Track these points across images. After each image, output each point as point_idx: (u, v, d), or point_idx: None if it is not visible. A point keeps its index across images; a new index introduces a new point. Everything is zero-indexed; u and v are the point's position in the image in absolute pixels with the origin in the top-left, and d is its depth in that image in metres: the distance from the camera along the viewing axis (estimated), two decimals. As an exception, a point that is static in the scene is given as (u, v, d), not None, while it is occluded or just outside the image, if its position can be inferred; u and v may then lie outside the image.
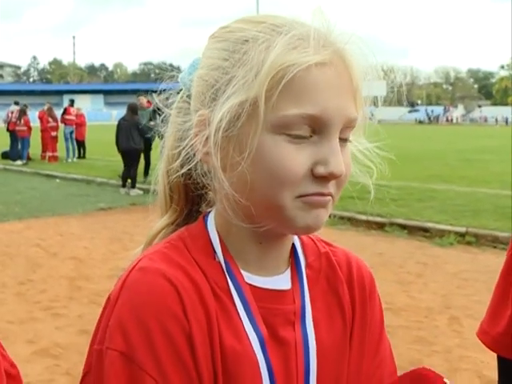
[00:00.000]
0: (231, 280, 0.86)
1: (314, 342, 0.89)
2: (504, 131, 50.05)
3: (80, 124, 22.07)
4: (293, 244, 0.95)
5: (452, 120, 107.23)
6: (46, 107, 22.03)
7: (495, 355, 1.38)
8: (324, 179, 0.80)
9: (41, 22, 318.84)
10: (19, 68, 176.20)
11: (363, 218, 9.57)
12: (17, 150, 21.23)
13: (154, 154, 14.80)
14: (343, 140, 0.83)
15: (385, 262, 7.40)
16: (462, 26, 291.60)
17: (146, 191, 13.44)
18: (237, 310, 0.85)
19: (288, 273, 0.93)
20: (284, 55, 0.77)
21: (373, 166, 0.92)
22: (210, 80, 0.84)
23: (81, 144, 22.19)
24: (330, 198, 0.83)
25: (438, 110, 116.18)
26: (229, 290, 0.85)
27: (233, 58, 0.82)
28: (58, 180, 16.18)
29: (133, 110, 13.71)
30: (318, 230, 0.85)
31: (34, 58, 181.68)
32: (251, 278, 0.88)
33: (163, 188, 0.96)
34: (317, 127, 0.79)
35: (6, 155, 21.55)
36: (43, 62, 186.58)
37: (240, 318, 0.85)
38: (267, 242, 0.89)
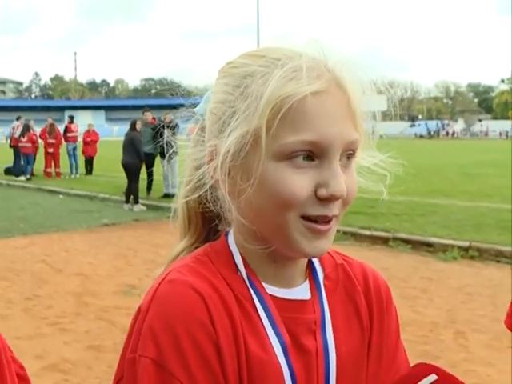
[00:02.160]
0: (254, 291, 0.91)
1: (334, 351, 0.93)
2: (504, 145, 50.09)
3: (94, 141, 22.43)
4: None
5: (453, 134, 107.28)
6: (49, 123, 22.05)
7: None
8: (327, 201, 0.85)
9: (42, 38, 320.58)
10: (21, 84, 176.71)
11: (367, 233, 9.59)
12: (19, 165, 21.28)
13: (157, 169, 14.90)
14: (346, 161, 0.88)
15: (389, 277, 7.34)
16: (462, 40, 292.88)
17: (150, 207, 13.56)
18: (260, 319, 0.89)
19: (306, 284, 0.97)
20: (280, 87, 0.83)
21: (387, 174, 0.97)
22: (218, 113, 0.91)
23: (90, 161, 22.29)
24: (331, 226, 0.88)
25: (432, 124, 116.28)
26: (252, 301, 0.90)
27: (236, 91, 0.88)
28: (61, 196, 16.21)
29: (132, 125, 13.86)
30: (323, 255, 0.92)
31: (36, 74, 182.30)
32: (272, 290, 0.93)
33: (182, 213, 1.03)
34: (316, 152, 0.84)
35: (8, 171, 21.60)
36: (45, 78, 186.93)
37: (264, 327, 0.89)
38: (281, 261, 0.93)
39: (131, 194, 13.57)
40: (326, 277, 1.00)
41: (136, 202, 13.51)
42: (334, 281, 1.00)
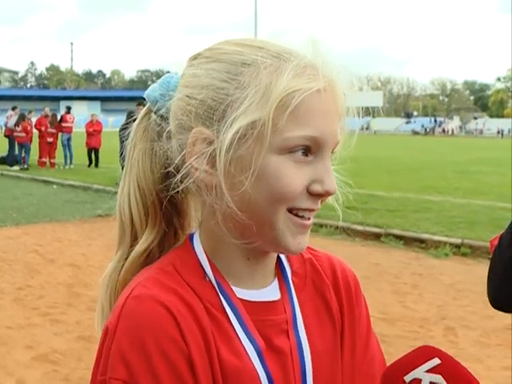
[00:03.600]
0: (223, 297, 0.89)
1: (308, 348, 0.93)
2: (500, 143, 50.20)
3: (98, 131, 21.49)
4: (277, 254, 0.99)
5: (449, 131, 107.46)
6: (45, 113, 21.92)
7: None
8: (318, 196, 0.86)
9: (39, 28, 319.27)
10: (17, 73, 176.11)
11: (359, 228, 9.61)
12: (13, 155, 21.21)
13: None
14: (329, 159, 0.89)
15: (381, 273, 7.45)
16: (458, 37, 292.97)
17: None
18: (232, 325, 0.87)
19: (275, 283, 0.96)
20: (292, 80, 0.82)
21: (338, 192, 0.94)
22: (206, 100, 0.86)
23: (95, 152, 21.35)
24: (311, 221, 0.88)
25: (427, 121, 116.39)
26: (222, 308, 0.88)
27: (235, 80, 0.85)
28: (54, 186, 16.17)
29: (129, 116, 13.80)
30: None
31: (32, 63, 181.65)
32: (242, 293, 0.91)
33: (137, 209, 0.95)
34: (314, 148, 0.84)
35: (2, 160, 21.52)
36: (41, 68, 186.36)
37: (236, 333, 0.87)
38: (255, 257, 0.92)
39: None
40: (293, 273, 0.99)
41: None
42: (302, 277, 1.00)
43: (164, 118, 0.94)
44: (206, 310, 0.86)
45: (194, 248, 0.92)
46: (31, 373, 4.42)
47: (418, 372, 0.83)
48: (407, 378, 0.83)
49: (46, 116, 21.74)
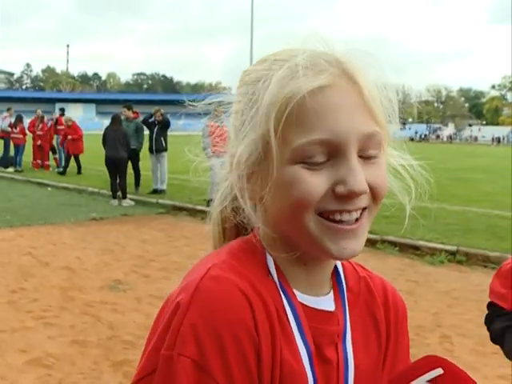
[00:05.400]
0: (286, 298, 0.88)
1: (353, 364, 0.93)
2: (495, 151, 50.36)
3: (77, 138, 19.50)
4: (335, 266, 0.98)
5: (444, 138, 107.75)
6: (37, 115, 21.74)
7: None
8: (346, 198, 0.81)
9: (35, 30, 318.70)
10: (12, 75, 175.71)
11: (355, 234, 9.60)
12: (8, 157, 21.12)
13: (142, 164, 14.89)
14: (367, 157, 0.84)
15: (376, 279, 7.42)
16: (454, 45, 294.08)
17: (138, 202, 13.51)
18: (291, 326, 0.87)
19: (331, 295, 0.96)
20: (280, 89, 0.80)
21: (412, 186, 0.94)
22: (235, 123, 0.90)
23: (75, 158, 19.62)
24: (355, 225, 0.84)
25: (421, 128, 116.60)
26: (283, 307, 0.88)
27: (246, 98, 0.87)
28: (49, 188, 16.12)
29: (119, 120, 13.81)
30: (353, 257, 0.88)
31: (28, 65, 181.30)
32: (301, 297, 0.91)
33: (217, 224, 1.00)
34: (330, 150, 0.80)
35: (-3, 162, 21.42)
36: (36, 70, 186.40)
37: (293, 335, 0.87)
38: (312, 264, 0.91)
39: (121, 189, 13.51)
40: (348, 289, 0.99)
41: (124, 197, 13.46)
42: (355, 293, 0.99)
43: None
44: (274, 306, 0.86)
45: (260, 243, 0.92)
46: (24, 377, 4.37)
47: (420, 381, 0.84)
48: None
49: (38, 118, 21.60)
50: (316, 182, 0.80)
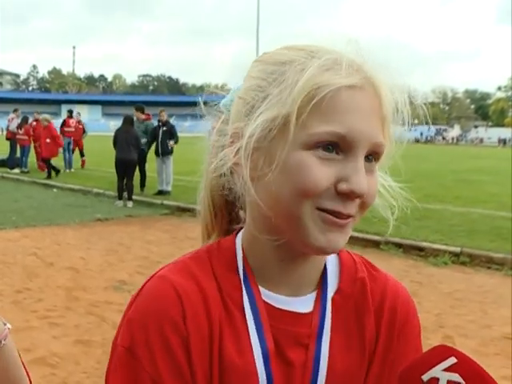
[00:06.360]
0: (248, 295, 0.90)
1: (326, 367, 0.91)
2: (501, 153, 50.19)
3: (51, 141, 18.32)
4: (325, 266, 0.97)
5: (449, 140, 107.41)
6: (35, 117, 21.13)
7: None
8: (346, 197, 0.83)
9: (41, 31, 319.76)
10: (18, 76, 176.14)
11: (359, 235, 9.60)
12: (14, 158, 21.18)
13: (148, 166, 14.93)
14: (370, 162, 0.86)
15: (380, 280, 7.42)
16: (460, 46, 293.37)
17: (143, 204, 13.54)
18: (247, 325, 0.89)
19: (313, 296, 0.95)
20: (316, 76, 0.82)
21: (395, 204, 0.98)
22: (247, 98, 0.89)
23: (47, 162, 18.55)
24: (348, 220, 0.85)
25: (426, 130, 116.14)
26: (242, 305, 0.90)
27: (270, 77, 0.87)
28: (55, 190, 16.17)
29: (131, 121, 13.81)
30: (335, 253, 0.89)
31: (34, 66, 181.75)
32: (269, 296, 0.91)
33: (207, 205, 1.03)
34: (343, 146, 0.82)
35: (3, 163, 21.49)
36: (43, 71, 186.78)
37: (248, 333, 0.88)
38: (289, 260, 0.91)
39: (128, 190, 13.53)
40: (338, 290, 0.97)
41: (129, 198, 13.48)
42: (345, 296, 0.97)
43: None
44: (222, 303, 0.90)
45: (235, 242, 0.96)
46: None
47: (436, 371, 0.82)
48: (425, 377, 0.82)
49: (36, 120, 21.03)
50: (322, 174, 0.82)
